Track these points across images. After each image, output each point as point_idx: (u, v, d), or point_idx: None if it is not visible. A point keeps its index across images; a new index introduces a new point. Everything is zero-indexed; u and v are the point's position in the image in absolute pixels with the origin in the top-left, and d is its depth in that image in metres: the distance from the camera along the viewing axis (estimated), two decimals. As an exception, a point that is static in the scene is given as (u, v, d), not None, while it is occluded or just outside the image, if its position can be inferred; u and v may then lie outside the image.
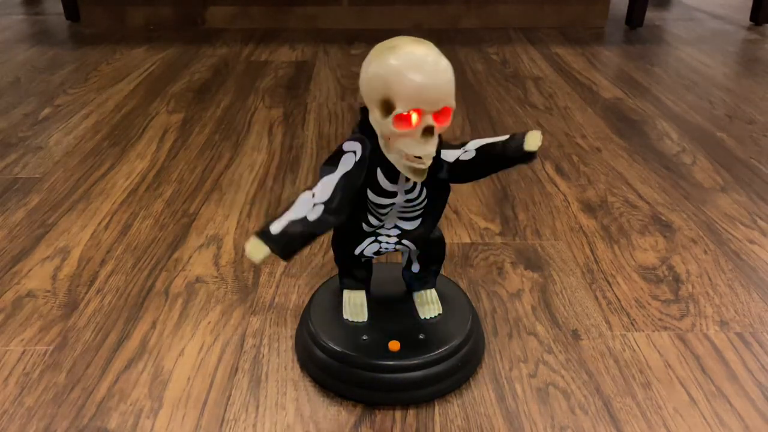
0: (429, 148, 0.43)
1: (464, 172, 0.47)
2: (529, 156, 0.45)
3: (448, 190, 0.50)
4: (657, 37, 1.68)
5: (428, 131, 0.42)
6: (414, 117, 0.41)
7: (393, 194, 0.47)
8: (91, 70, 1.39)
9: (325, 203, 0.44)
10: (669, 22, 1.86)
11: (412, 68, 0.40)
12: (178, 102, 1.18)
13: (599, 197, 0.83)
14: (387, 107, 0.42)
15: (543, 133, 1.04)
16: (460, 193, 0.84)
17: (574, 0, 1.76)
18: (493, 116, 1.11)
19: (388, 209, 0.48)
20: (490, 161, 0.47)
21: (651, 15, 1.91)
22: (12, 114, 1.13)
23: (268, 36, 1.68)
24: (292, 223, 0.44)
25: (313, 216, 0.44)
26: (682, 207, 0.81)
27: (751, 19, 1.81)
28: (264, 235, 0.44)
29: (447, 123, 0.43)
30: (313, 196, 0.45)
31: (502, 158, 0.46)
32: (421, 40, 0.42)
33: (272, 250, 0.44)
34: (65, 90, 1.25)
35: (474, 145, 0.47)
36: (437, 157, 0.47)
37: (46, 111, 1.14)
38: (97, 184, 0.86)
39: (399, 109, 0.41)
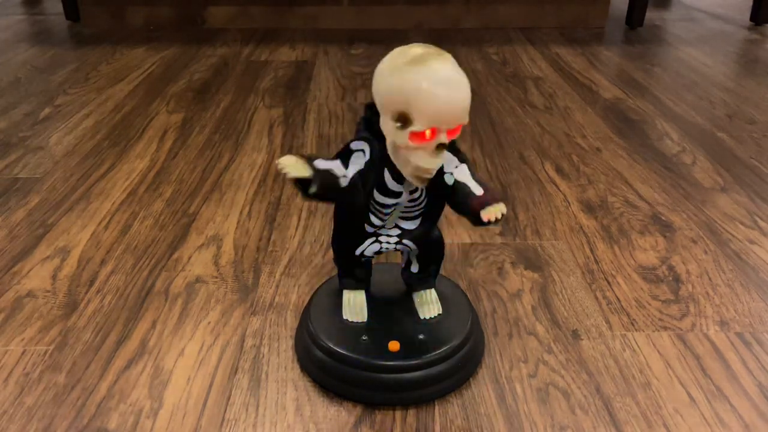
0: (439, 161, 0.44)
1: (443, 198, 0.49)
2: (480, 222, 0.44)
3: (447, 191, 0.50)
4: (657, 37, 1.68)
5: (441, 146, 0.43)
6: (428, 133, 0.42)
7: (398, 194, 0.47)
8: (91, 70, 1.39)
9: (351, 181, 0.45)
10: (669, 22, 1.86)
11: (437, 89, 0.40)
12: (178, 102, 1.19)
13: (599, 197, 0.83)
14: (404, 120, 0.42)
15: (543, 133, 1.04)
16: (460, 193, 0.84)
17: (574, 0, 1.76)
18: (493, 116, 1.11)
19: (392, 209, 0.48)
20: (455, 200, 0.47)
21: (651, 15, 1.91)
22: (12, 114, 1.13)
23: (268, 36, 1.68)
24: (331, 172, 0.44)
25: (342, 182, 0.45)
26: (682, 207, 0.81)
27: (751, 19, 1.81)
28: (310, 161, 0.43)
29: (455, 135, 0.44)
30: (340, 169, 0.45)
31: (462, 207, 0.47)
32: (442, 52, 0.42)
33: (313, 177, 0.43)
34: (65, 90, 1.25)
35: (459, 174, 0.47)
36: None
37: (46, 111, 1.14)
38: (97, 184, 0.86)
39: (417, 126, 0.41)
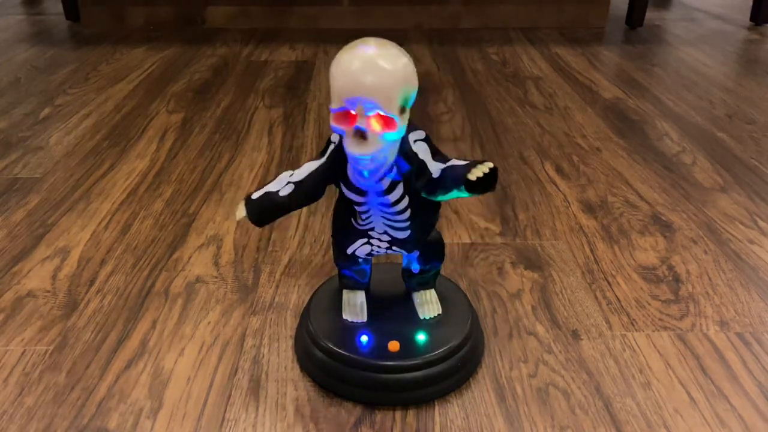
0: (361, 150, 0.42)
1: (434, 190, 0.46)
2: (472, 185, 0.42)
3: (437, 203, 0.49)
4: (657, 37, 1.68)
5: (358, 134, 0.41)
6: (352, 113, 0.41)
7: (364, 192, 0.46)
8: (91, 70, 1.39)
9: (296, 183, 0.47)
10: (669, 22, 1.86)
11: (345, 68, 0.40)
12: (178, 102, 1.19)
13: (599, 197, 0.83)
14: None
15: (543, 133, 1.04)
16: (460, 193, 0.84)
17: (574, 0, 1.76)
18: (493, 116, 1.11)
19: (365, 208, 0.48)
20: (445, 184, 0.44)
21: (651, 15, 1.91)
22: (12, 114, 1.13)
23: (268, 36, 1.68)
24: (267, 194, 0.48)
25: (284, 192, 0.48)
26: (682, 207, 0.81)
27: (751, 19, 1.81)
28: (247, 199, 0.49)
29: (388, 130, 0.41)
30: (291, 175, 0.48)
31: (452, 183, 0.44)
32: (387, 43, 0.41)
33: (248, 214, 0.49)
34: (65, 90, 1.25)
35: (445, 165, 0.45)
36: (418, 166, 0.45)
37: (46, 111, 1.14)
38: (97, 184, 0.86)
39: (332, 105, 0.42)
